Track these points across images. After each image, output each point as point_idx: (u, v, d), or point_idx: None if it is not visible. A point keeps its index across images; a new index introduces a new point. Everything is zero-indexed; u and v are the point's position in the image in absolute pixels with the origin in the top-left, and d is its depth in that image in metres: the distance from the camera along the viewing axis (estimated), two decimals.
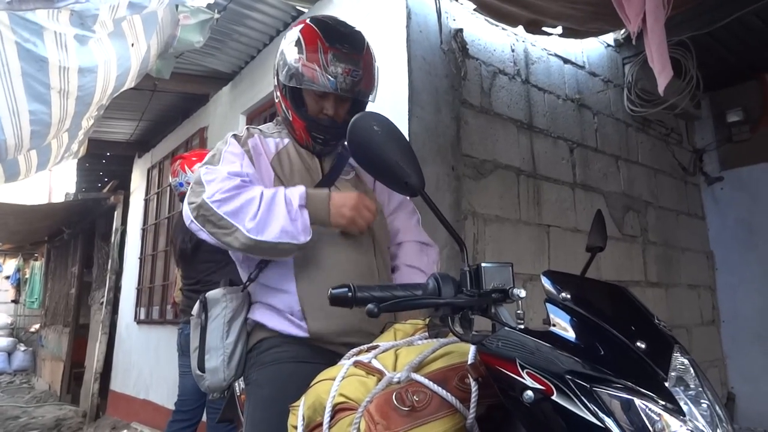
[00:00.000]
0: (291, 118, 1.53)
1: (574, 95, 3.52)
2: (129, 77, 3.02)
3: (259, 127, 1.60)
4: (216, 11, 3.27)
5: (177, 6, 2.99)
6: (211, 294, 1.50)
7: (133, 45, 2.82)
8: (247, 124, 4.25)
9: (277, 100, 1.58)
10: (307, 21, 1.53)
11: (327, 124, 1.51)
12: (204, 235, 1.32)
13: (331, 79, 1.42)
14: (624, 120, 3.90)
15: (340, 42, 1.46)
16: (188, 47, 3.42)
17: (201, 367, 1.47)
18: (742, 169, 4.36)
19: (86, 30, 2.37)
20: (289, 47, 1.50)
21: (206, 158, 1.45)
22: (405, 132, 2.50)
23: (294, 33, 1.52)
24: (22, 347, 12.20)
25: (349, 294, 0.86)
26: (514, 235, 2.88)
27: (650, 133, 4.13)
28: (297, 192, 1.34)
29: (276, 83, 1.57)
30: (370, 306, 0.79)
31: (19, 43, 2.20)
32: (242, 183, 1.34)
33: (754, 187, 4.27)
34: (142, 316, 5.92)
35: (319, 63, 1.42)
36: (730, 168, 4.42)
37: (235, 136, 1.50)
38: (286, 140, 1.57)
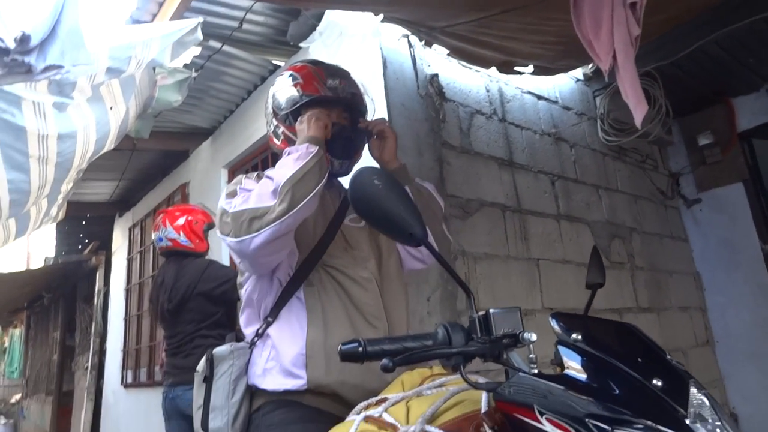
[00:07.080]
0: None
1: (550, 130, 3.60)
2: (108, 140, 3.01)
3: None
4: (193, 70, 3.31)
5: (154, 68, 3.01)
6: (219, 350, 1.47)
7: (111, 108, 2.82)
8: (228, 178, 4.26)
9: (278, 141, 1.61)
10: (293, 65, 1.66)
11: (337, 131, 1.55)
12: (263, 234, 1.29)
13: (332, 89, 1.57)
14: (600, 150, 3.99)
15: (328, 66, 1.66)
16: (166, 106, 3.43)
17: (205, 426, 1.43)
18: (717, 189, 4.46)
19: (65, 97, 2.37)
20: (282, 86, 1.61)
21: (223, 196, 1.45)
22: None
23: (284, 76, 1.62)
24: (2, 420, 11.68)
25: (360, 349, 0.85)
26: (505, 271, 2.89)
27: (626, 161, 4.23)
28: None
29: (275, 124, 1.61)
30: (384, 361, 0.77)
31: None
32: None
33: (731, 207, 4.36)
34: (130, 380, 5.73)
35: (318, 80, 1.57)
36: (707, 189, 4.52)
37: (247, 175, 1.51)
38: None
